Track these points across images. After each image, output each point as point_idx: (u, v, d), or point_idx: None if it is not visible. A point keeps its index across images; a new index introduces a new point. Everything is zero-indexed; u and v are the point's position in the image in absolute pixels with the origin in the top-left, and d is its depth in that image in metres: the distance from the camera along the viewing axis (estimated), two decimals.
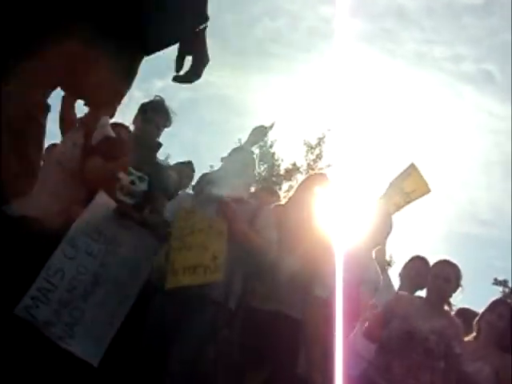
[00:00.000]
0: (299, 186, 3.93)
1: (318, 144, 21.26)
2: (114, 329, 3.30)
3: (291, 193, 3.97)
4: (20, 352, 2.87)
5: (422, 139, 28.54)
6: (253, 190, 5.48)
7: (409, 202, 4.96)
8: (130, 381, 3.30)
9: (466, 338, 3.96)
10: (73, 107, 3.95)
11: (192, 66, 1.89)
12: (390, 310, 3.84)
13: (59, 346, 3.08)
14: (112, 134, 3.55)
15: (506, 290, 19.70)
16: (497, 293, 17.82)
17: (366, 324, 3.86)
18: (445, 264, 3.90)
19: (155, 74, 18.35)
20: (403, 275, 4.49)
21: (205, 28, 1.88)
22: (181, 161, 5.40)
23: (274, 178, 20.68)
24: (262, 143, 19.25)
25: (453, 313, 4.13)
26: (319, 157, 21.13)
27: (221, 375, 3.48)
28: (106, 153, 3.48)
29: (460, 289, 3.88)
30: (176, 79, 1.92)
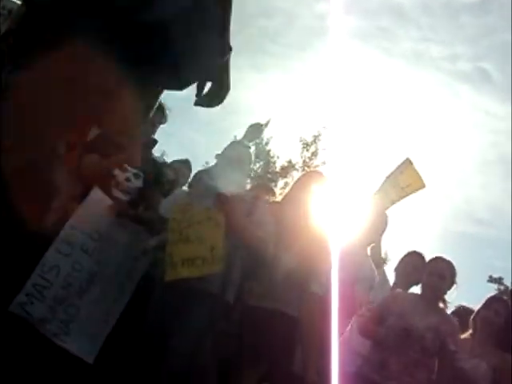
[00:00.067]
0: (295, 184, 3.93)
1: (314, 141, 21.30)
2: (109, 326, 3.30)
3: (287, 190, 3.97)
4: (15, 349, 2.87)
5: (418, 138, 28.59)
6: (248, 187, 5.48)
7: (403, 197, 4.97)
8: (128, 374, 3.30)
9: (463, 336, 3.97)
10: None
11: (213, 91, 1.97)
12: (385, 307, 3.84)
13: (54, 343, 3.08)
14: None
15: (501, 287, 19.76)
16: (492, 290, 17.86)
17: (362, 321, 3.87)
18: (439, 261, 3.91)
19: None
20: (399, 270, 4.49)
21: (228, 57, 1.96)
22: (178, 159, 5.39)
23: (269, 175, 20.69)
24: (257, 140, 19.23)
25: (451, 310, 4.14)
26: (315, 154, 21.17)
27: (218, 367, 3.48)
28: (102, 149, 3.47)
29: (455, 286, 3.89)
30: (197, 103, 2.00)
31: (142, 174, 3.76)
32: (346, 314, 3.54)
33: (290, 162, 21.28)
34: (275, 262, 3.42)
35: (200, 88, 1.97)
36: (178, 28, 1.77)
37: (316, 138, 21.19)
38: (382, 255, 5.25)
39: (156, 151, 4.62)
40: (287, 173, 20.85)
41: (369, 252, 4.14)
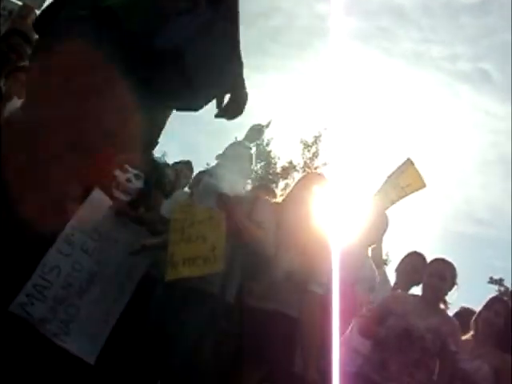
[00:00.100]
0: (296, 185, 3.94)
1: (315, 142, 21.32)
2: (109, 326, 3.30)
3: (288, 191, 3.97)
4: (15, 349, 2.87)
5: (418, 138, 28.60)
6: (249, 187, 5.49)
7: (403, 197, 4.97)
8: (129, 374, 3.31)
9: (464, 337, 3.97)
10: None
11: (233, 103, 2.00)
12: (386, 307, 3.84)
13: (55, 344, 3.08)
14: None
15: (502, 288, 19.76)
16: (492, 291, 17.86)
17: (362, 321, 3.87)
18: (440, 262, 3.92)
19: None
20: (400, 270, 4.49)
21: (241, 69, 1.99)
22: (179, 160, 5.39)
23: (270, 176, 20.71)
24: (258, 141, 19.25)
25: (454, 311, 4.14)
26: (315, 155, 21.19)
27: (218, 367, 3.48)
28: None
29: (455, 287, 3.89)
30: (218, 115, 2.04)
31: (142, 175, 3.76)
32: (347, 314, 3.54)
33: (290, 162, 21.31)
34: (276, 262, 3.43)
35: (219, 101, 2.00)
36: (190, 50, 1.78)
37: (317, 139, 21.22)
38: (383, 256, 5.25)
39: (157, 152, 4.62)
40: (288, 174, 20.87)
41: (369, 253, 4.14)
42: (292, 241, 3.51)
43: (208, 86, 1.89)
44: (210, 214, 3.55)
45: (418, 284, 4.21)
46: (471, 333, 4.01)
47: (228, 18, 1.91)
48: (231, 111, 2.02)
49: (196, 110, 1.98)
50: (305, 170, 19.92)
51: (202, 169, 5.41)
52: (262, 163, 21.32)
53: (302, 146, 21.39)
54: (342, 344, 3.44)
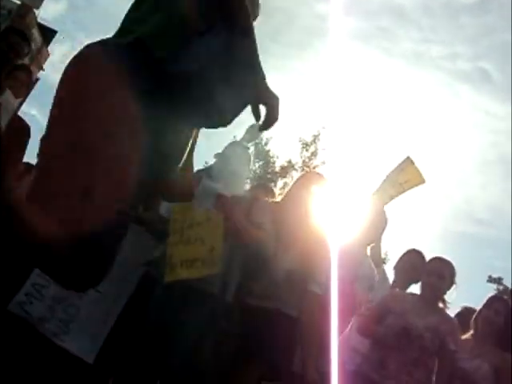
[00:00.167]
0: (295, 184, 3.93)
1: (313, 141, 21.34)
2: (108, 327, 3.30)
3: (287, 190, 3.97)
4: (15, 348, 2.87)
5: (418, 138, 28.70)
6: (247, 187, 5.49)
7: (402, 192, 4.98)
8: (129, 374, 3.31)
9: (464, 336, 3.98)
10: None
11: (268, 112, 2.05)
12: (385, 306, 3.85)
13: (54, 344, 3.08)
14: None
15: (501, 287, 19.80)
16: (491, 290, 17.92)
17: (361, 320, 3.88)
18: (438, 261, 3.92)
19: None
20: (398, 268, 4.49)
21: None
22: None
23: (269, 175, 20.71)
24: (257, 140, 19.26)
25: (455, 311, 4.15)
26: (314, 154, 21.21)
27: (217, 369, 3.49)
28: None
29: (454, 286, 3.89)
30: (261, 129, 2.12)
31: None
32: (346, 313, 3.55)
33: (289, 162, 21.32)
34: (275, 262, 3.43)
35: (256, 113, 2.06)
36: (213, 69, 1.87)
37: (315, 138, 21.25)
38: (382, 255, 5.25)
39: None
40: (287, 173, 20.88)
41: (368, 252, 4.15)
42: (291, 240, 3.51)
43: (234, 101, 1.97)
44: (207, 216, 3.56)
45: (416, 282, 4.21)
46: (471, 332, 4.02)
47: (243, 32, 1.98)
48: (267, 121, 2.08)
49: (224, 126, 2.07)
50: (303, 169, 19.94)
51: (200, 167, 5.41)
52: (261, 162, 21.33)
53: (300, 145, 21.41)
54: (340, 343, 3.44)
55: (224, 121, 2.03)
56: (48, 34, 27.35)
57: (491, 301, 4.03)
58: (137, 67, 1.78)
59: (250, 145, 4.45)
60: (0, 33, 4.84)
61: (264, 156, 21.25)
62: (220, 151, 4.27)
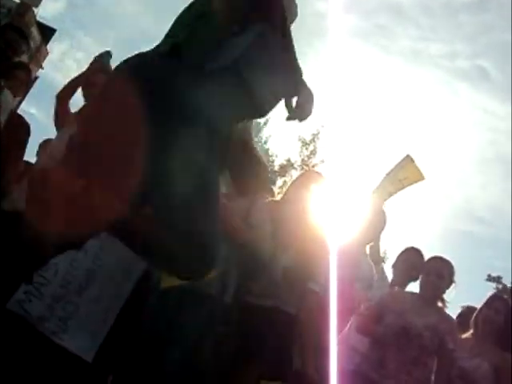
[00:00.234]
0: (294, 183, 3.94)
1: (313, 140, 21.33)
2: (108, 326, 3.30)
3: (286, 189, 3.97)
4: (14, 347, 2.87)
5: (417, 136, 28.71)
6: None
7: (402, 188, 4.98)
8: (128, 374, 3.31)
9: (464, 335, 3.98)
10: (67, 103, 3.94)
11: (300, 105, 2.14)
12: (384, 305, 3.85)
13: (53, 342, 3.08)
14: None
15: (500, 286, 19.83)
16: (490, 289, 17.94)
17: (360, 319, 3.88)
18: (437, 260, 3.92)
19: None
20: (397, 266, 4.49)
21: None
22: None
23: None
24: (256, 139, 19.22)
25: (457, 311, 4.15)
26: (313, 153, 21.20)
27: (217, 369, 3.49)
28: None
29: (453, 285, 3.90)
30: (289, 118, 2.19)
31: None
32: (345, 313, 3.55)
33: (288, 160, 21.32)
34: (273, 261, 3.43)
35: (288, 105, 2.13)
36: (246, 64, 1.98)
37: (315, 137, 21.23)
38: (381, 254, 5.25)
39: None
40: (286, 171, 20.88)
41: (367, 250, 4.15)
42: (290, 239, 3.51)
43: (269, 94, 2.06)
44: None
45: (415, 280, 4.21)
46: (471, 331, 4.02)
47: (279, 32, 2.10)
48: (300, 113, 2.14)
49: (262, 116, 2.18)
50: (303, 168, 19.95)
51: None
52: None
53: (299, 144, 21.41)
54: (340, 342, 3.45)
55: (260, 111, 2.12)
56: (47, 32, 27.32)
57: (491, 300, 4.03)
58: (175, 71, 1.90)
59: None
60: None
61: (263, 154, 21.23)
62: None
